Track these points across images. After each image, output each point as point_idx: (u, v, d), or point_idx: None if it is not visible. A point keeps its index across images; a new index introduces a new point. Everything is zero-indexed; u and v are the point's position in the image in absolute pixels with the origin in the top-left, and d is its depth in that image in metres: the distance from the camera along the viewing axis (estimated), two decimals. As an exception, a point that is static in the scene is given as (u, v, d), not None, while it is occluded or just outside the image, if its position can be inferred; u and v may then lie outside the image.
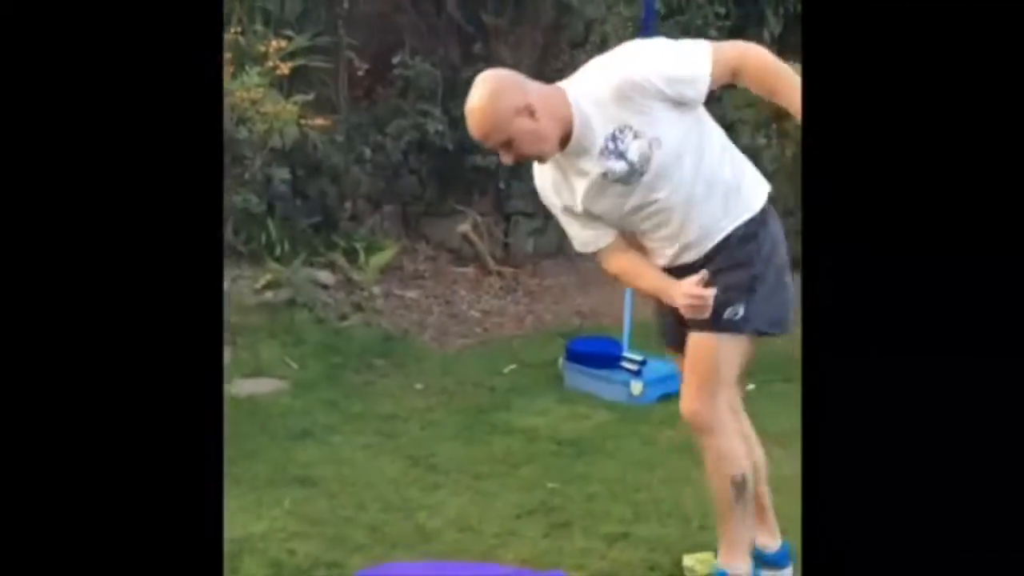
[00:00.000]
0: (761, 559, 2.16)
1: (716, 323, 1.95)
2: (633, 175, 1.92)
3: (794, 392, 3.61)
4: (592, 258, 2.14)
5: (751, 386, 3.62)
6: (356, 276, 4.48)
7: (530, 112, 1.88)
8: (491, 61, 5.30)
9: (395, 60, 5.17)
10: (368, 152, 4.99)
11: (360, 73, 5.13)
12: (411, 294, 4.69)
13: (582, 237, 2.07)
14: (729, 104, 5.40)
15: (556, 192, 2.03)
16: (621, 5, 5.23)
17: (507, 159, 1.94)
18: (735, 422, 2.06)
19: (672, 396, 3.43)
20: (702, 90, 1.92)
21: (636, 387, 3.39)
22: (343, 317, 4.19)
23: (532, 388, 3.56)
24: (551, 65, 5.50)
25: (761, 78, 1.93)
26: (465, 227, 5.13)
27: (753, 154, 5.62)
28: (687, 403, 2.04)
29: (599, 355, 3.55)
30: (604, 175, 1.93)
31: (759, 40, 5.59)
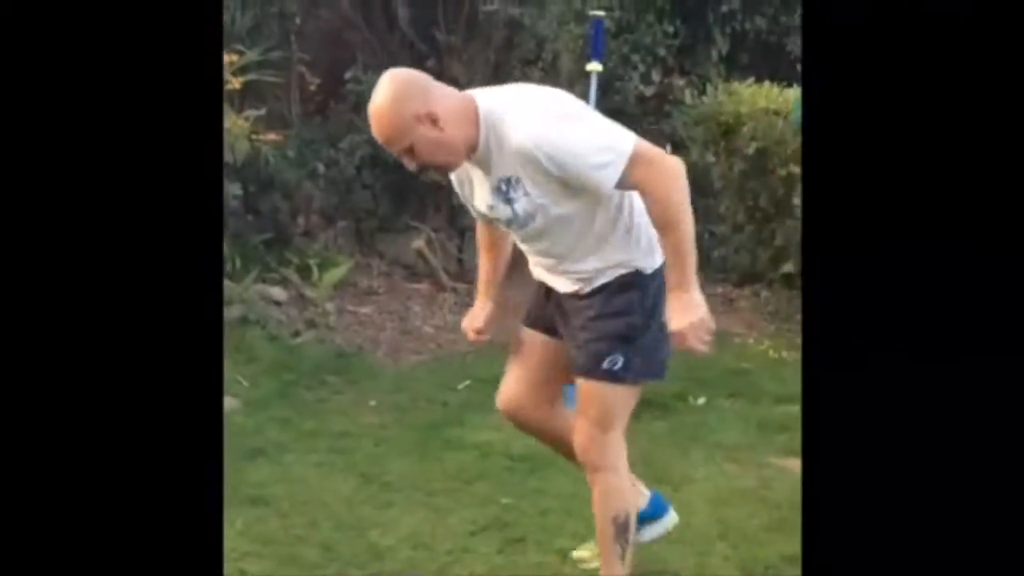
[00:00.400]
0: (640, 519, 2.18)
1: (595, 371, 1.98)
2: (514, 222, 1.95)
3: (741, 407, 3.70)
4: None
5: (701, 399, 3.70)
6: (309, 292, 4.45)
7: (432, 120, 1.82)
8: (443, 77, 5.32)
9: (347, 75, 5.18)
10: (321, 167, 4.98)
11: (312, 88, 5.13)
12: (365, 310, 4.68)
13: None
14: (679, 121, 5.50)
15: (459, 184, 2.07)
16: (572, 24, 5.30)
17: (410, 165, 1.89)
18: (624, 462, 2.07)
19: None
20: (603, 192, 1.89)
21: None
22: (296, 334, 4.17)
23: (486, 404, 3.53)
24: (504, 82, 5.55)
25: (657, 213, 1.88)
26: (419, 243, 5.13)
27: (702, 170, 5.72)
28: (579, 440, 2.05)
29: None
30: (491, 207, 1.96)
31: (707, 59, 5.73)
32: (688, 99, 5.34)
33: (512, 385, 2.19)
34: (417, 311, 4.81)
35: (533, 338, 2.17)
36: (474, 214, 2.13)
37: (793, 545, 2.47)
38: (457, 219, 5.37)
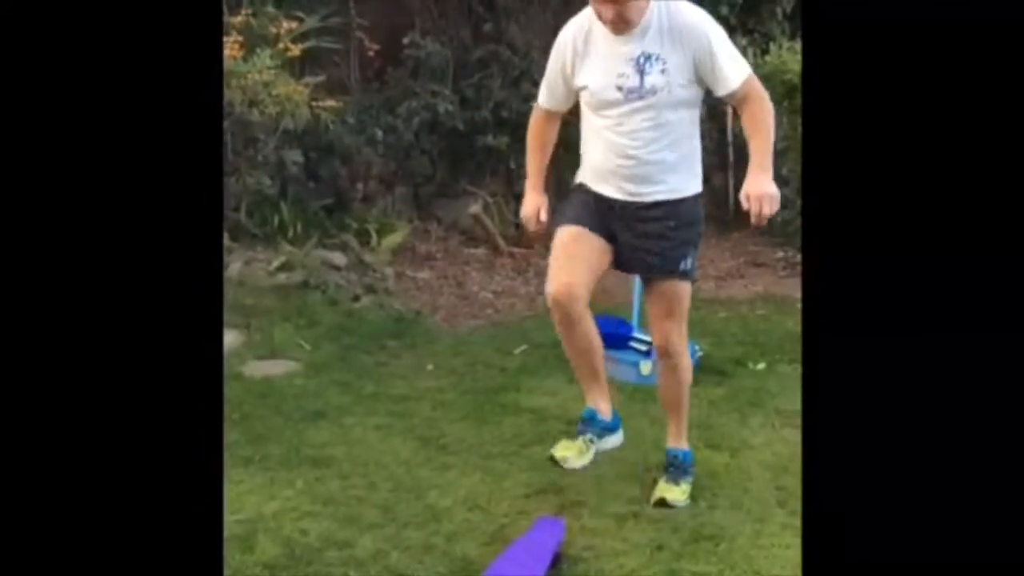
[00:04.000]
0: (684, 460, 2.61)
1: (675, 272, 2.44)
2: (635, 92, 2.30)
3: (800, 372, 3.60)
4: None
5: (761, 365, 3.65)
6: (368, 258, 4.50)
7: None
8: (501, 41, 5.28)
9: (405, 41, 5.16)
10: (380, 133, 5.00)
11: (371, 54, 5.13)
12: (423, 275, 4.71)
13: (545, 88, 2.53)
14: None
15: (571, 60, 2.38)
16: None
17: (609, 14, 2.26)
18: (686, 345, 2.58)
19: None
20: (721, 94, 2.34)
21: (645, 367, 3.40)
22: (355, 298, 4.22)
23: (542, 369, 3.58)
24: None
25: (751, 123, 2.32)
26: (476, 208, 5.13)
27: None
28: (659, 335, 2.51)
29: (609, 335, 3.55)
30: (621, 75, 2.31)
31: (770, 17, 5.56)
32: (751, 58, 5.22)
33: (569, 274, 2.40)
34: (474, 276, 4.83)
35: (588, 237, 2.43)
36: (571, 87, 2.43)
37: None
38: (514, 184, 5.35)
